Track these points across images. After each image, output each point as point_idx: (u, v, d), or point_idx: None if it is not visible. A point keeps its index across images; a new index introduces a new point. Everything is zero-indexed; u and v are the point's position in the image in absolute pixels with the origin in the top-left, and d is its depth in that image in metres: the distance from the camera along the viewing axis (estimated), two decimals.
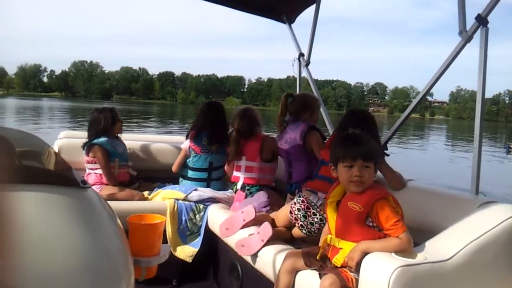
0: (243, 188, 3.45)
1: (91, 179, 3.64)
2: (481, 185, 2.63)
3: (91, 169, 3.67)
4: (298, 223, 2.65)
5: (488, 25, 2.64)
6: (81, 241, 1.29)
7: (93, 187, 3.48)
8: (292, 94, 3.48)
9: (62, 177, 1.56)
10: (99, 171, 3.63)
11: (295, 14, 4.48)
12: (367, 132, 2.78)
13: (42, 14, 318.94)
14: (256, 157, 3.46)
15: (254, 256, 2.60)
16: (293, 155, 3.24)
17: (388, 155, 2.97)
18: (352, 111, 3.13)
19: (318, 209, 2.61)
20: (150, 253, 2.14)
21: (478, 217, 2.12)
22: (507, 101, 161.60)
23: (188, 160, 3.79)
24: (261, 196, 3.18)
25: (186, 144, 3.81)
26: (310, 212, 2.63)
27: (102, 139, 3.63)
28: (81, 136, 4.26)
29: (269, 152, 3.48)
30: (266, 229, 2.62)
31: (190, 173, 3.77)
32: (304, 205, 2.65)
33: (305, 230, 2.63)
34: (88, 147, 3.63)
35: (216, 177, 3.80)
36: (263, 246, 2.56)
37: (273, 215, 2.86)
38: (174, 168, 3.86)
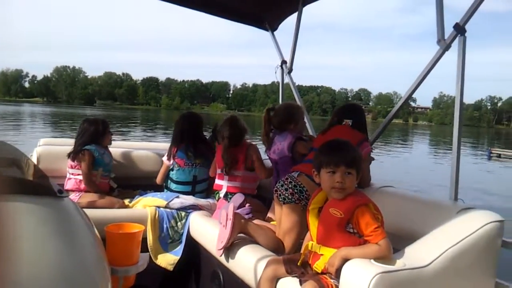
0: (225, 196, 3.43)
1: (70, 184, 3.62)
2: (461, 191, 2.67)
3: (72, 174, 3.65)
4: (276, 194, 2.74)
5: (466, 34, 2.68)
6: (57, 251, 1.27)
7: (72, 193, 3.47)
8: (274, 107, 3.46)
9: (38, 186, 1.53)
10: (80, 177, 3.61)
11: (277, 22, 4.51)
12: (355, 121, 2.94)
13: (24, 19, 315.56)
14: (240, 166, 3.45)
15: (236, 263, 2.59)
16: (282, 165, 3.23)
17: (373, 159, 3.03)
18: (345, 104, 3.45)
19: (295, 179, 2.69)
20: (128, 262, 2.13)
21: (457, 223, 2.14)
22: (489, 107, 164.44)
23: (171, 173, 3.74)
24: (237, 199, 3.17)
25: (167, 157, 3.74)
26: (287, 181, 2.71)
27: (91, 146, 3.63)
28: (61, 143, 4.22)
29: (251, 159, 3.47)
30: (230, 208, 2.66)
31: (174, 186, 3.71)
32: (285, 178, 2.75)
33: (281, 198, 2.70)
34: (75, 152, 3.61)
35: (200, 190, 3.75)
36: (233, 225, 2.60)
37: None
38: (158, 180, 3.82)
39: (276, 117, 3.36)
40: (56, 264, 1.22)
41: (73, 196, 3.47)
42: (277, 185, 2.76)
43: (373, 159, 3.07)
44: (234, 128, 3.51)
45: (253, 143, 3.62)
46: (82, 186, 3.60)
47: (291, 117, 3.34)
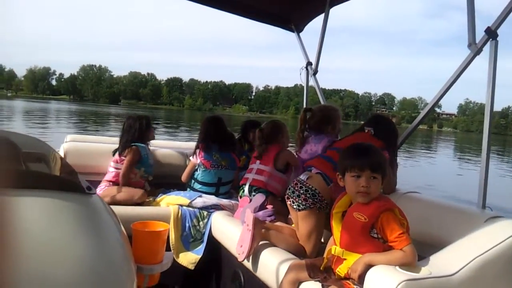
0: (250, 190, 3.38)
1: (111, 176, 3.73)
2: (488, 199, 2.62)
3: (117, 168, 3.74)
4: (289, 201, 2.70)
5: (498, 38, 2.63)
6: (85, 247, 1.28)
7: (106, 183, 3.59)
8: (311, 108, 3.47)
9: (68, 183, 1.56)
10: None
11: (303, 23, 4.50)
12: (377, 130, 2.89)
13: (52, 18, 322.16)
14: (270, 162, 3.41)
15: (257, 265, 2.58)
16: None
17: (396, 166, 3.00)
18: (374, 114, 3.26)
19: (304, 182, 2.66)
20: (153, 261, 2.14)
21: (484, 232, 2.10)
22: None
23: (196, 173, 3.76)
24: (258, 199, 3.15)
25: (194, 157, 3.77)
26: (297, 186, 2.67)
27: (142, 144, 3.76)
28: (88, 140, 4.28)
29: (284, 162, 3.43)
30: (248, 216, 2.66)
31: (198, 187, 3.73)
32: (294, 183, 2.72)
33: (295, 205, 2.66)
34: (124, 147, 3.73)
35: (223, 191, 3.77)
36: (254, 236, 2.59)
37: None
38: (183, 178, 3.84)
39: (313, 118, 3.36)
40: (83, 260, 1.23)
41: (99, 189, 3.62)
42: (288, 191, 2.73)
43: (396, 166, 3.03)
44: (271, 126, 3.58)
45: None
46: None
47: (328, 119, 3.34)
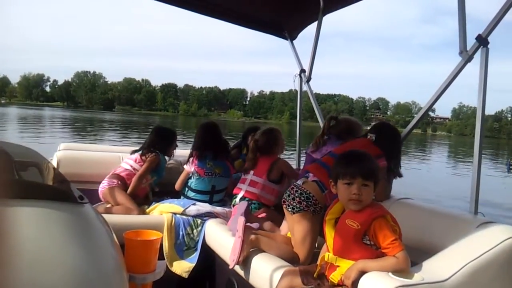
0: (241, 200, 3.40)
1: (126, 173, 3.77)
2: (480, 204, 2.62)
3: (134, 168, 3.78)
4: (285, 205, 2.74)
5: (489, 45, 2.64)
6: (76, 257, 1.28)
7: (115, 180, 3.64)
8: (336, 117, 3.53)
9: (60, 192, 1.55)
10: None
11: (297, 31, 4.51)
12: (379, 137, 2.88)
13: (46, 24, 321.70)
14: (263, 174, 3.46)
15: (251, 272, 2.58)
16: None
17: (401, 175, 2.97)
18: (381, 122, 3.26)
19: (300, 186, 2.70)
20: (146, 270, 2.14)
21: (477, 237, 2.11)
22: (509, 118, 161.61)
23: (190, 181, 3.75)
24: (241, 206, 3.16)
25: (188, 165, 3.77)
26: (293, 190, 2.71)
27: (162, 155, 3.86)
28: (81, 148, 4.26)
29: (278, 172, 3.47)
30: (239, 223, 2.69)
31: (191, 194, 3.71)
32: (290, 187, 2.76)
33: (290, 207, 2.68)
34: (150, 150, 3.80)
35: (217, 199, 3.76)
36: (243, 242, 2.61)
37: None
38: (177, 186, 3.83)
39: (337, 127, 3.42)
40: (74, 269, 1.23)
41: (106, 183, 3.65)
42: (284, 195, 2.77)
43: (400, 175, 3.00)
44: (266, 136, 3.62)
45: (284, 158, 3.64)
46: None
47: (352, 131, 3.39)
